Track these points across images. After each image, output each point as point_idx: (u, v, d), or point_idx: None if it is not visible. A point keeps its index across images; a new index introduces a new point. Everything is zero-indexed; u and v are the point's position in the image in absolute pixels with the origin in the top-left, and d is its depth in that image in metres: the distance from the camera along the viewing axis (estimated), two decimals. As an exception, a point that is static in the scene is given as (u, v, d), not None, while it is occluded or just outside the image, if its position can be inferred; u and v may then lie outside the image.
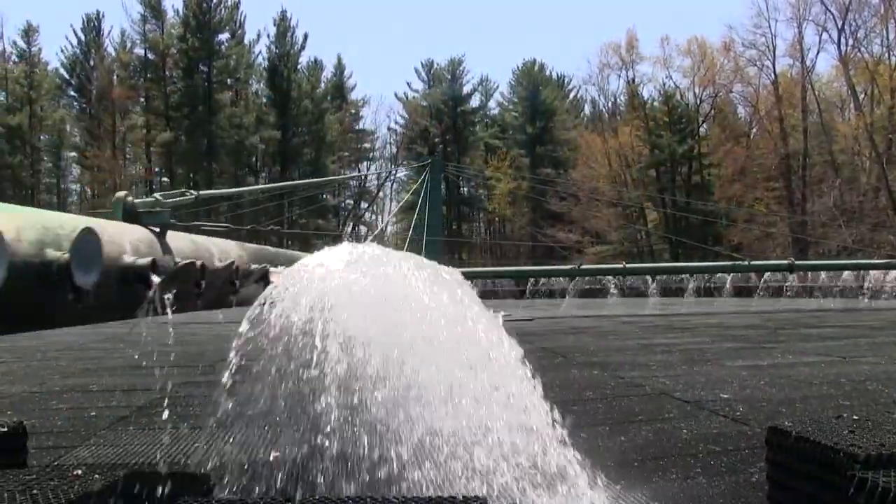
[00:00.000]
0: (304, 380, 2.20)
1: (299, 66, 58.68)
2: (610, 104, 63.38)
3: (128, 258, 1.86)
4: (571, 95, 68.64)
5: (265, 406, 2.28)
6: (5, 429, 2.51)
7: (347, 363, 2.18)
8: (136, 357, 8.69)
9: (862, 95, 45.78)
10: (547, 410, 2.66)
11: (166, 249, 2.17)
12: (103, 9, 59.00)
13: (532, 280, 35.68)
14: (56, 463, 3.53)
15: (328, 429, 2.14)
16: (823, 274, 29.11)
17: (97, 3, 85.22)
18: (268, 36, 58.29)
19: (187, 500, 1.79)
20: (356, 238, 63.70)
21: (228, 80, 55.06)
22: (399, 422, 2.26)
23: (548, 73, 66.39)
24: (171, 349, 2.78)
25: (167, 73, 54.07)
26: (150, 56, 54.66)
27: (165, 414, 5.08)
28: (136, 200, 2.35)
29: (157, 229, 2.23)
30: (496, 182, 58.95)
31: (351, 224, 63.53)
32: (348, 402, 2.22)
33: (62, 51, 56.37)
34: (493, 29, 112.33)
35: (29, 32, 53.64)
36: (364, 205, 63.03)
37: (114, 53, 56.50)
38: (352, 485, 2.15)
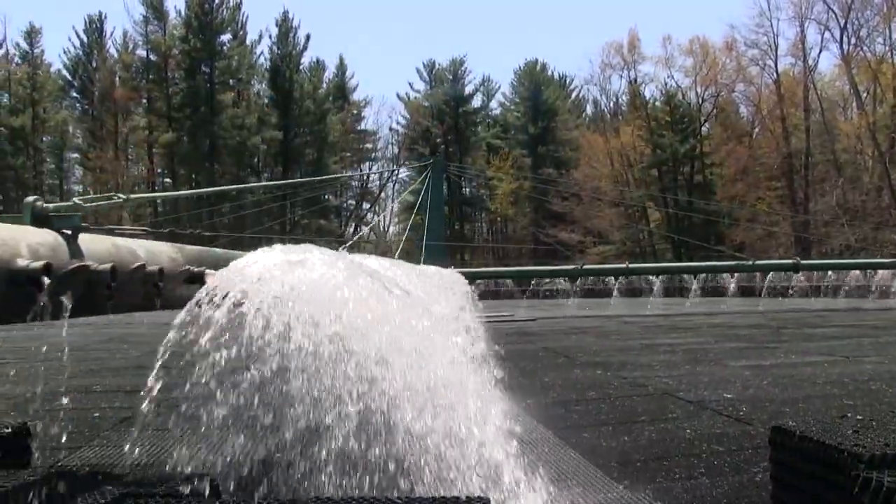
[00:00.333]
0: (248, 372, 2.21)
1: (301, 67, 58.80)
2: (612, 104, 63.45)
3: (21, 261, 1.88)
4: (573, 95, 68.66)
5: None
6: (9, 430, 2.51)
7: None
8: (139, 357, 8.71)
9: (864, 94, 45.72)
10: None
11: (75, 253, 2.17)
12: (105, 10, 59.21)
13: (535, 280, 35.68)
14: (60, 464, 3.54)
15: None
16: (830, 273, 28.89)
17: (99, 5, 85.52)
18: (270, 37, 58.46)
19: (189, 500, 1.79)
20: (357, 239, 63.80)
21: (230, 81, 55.14)
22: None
23: (549, 73, 66.43)
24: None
25: (169, 74, 54.16)
26: (152, 57, 54.76)
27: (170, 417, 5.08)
28: (50, 204, 2.36)
29: (70, 232, 2.23)
30: (498, 182, 58.96)
31: (353, 225, 63.62)
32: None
33: (65, 52, 56.62)
34: (494, 29, 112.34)
35: (32, 34, 53.80)
36: (366, 205, 63.07)
37: (116, 55, 56.64)
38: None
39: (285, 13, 58.42)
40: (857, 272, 27.07)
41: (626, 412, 5.17)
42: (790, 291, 27.11)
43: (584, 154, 58.20)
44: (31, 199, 2.36)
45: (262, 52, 58.74)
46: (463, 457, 2.28)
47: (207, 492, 1.95)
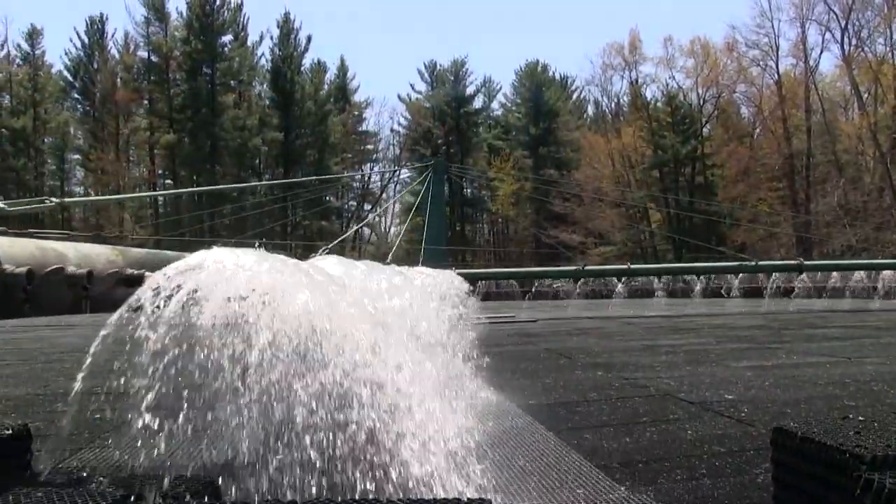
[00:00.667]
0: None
1: (302, 68, 58.86)
2: (613, 105, 63.52)
3: None
4: (574, 96, 68.71)
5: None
6: (9, 431, 2.51)
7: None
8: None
9: (865, 95, 45.72)
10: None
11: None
12: (107, 11, 59.30)
13: (536, 281, 35.67)
14: (60, 466, 3.54)
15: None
16: (835, 274, 28.75)
17: (100, 6, 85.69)
18: (271, 38, 58.55)
19: (189, 501, 1.79)
20: (359, 239, 63.83)
21: (232, 83, 55.22)
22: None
23: (551, 74, 66.48)
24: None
25: (170, 75, 54.24)
26: (153, 58, 54.84)
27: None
28: None
29: None
30: (499, 183, 58.96)
31: (354, 226, 63.61)
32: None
33: (66, 53, 56.76)
34: (495, 30, 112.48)
35: (33, 35, 53.91)
36: (367, 206, 63.06)
37: (117, 56, 56.74)
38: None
39: (286, 14, 58.63)
40: (862, 273, 26.92)
41: (627, 413, 5.17)
42: (794, 292, 27.01)
43: (585, 155, 58.23)
44: None
45: (263, 54, 58.96)
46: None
47: (208, 493, 1.95)
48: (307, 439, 2.19)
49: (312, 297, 2.33)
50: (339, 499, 1.89)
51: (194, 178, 53.46)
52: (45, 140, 54.91)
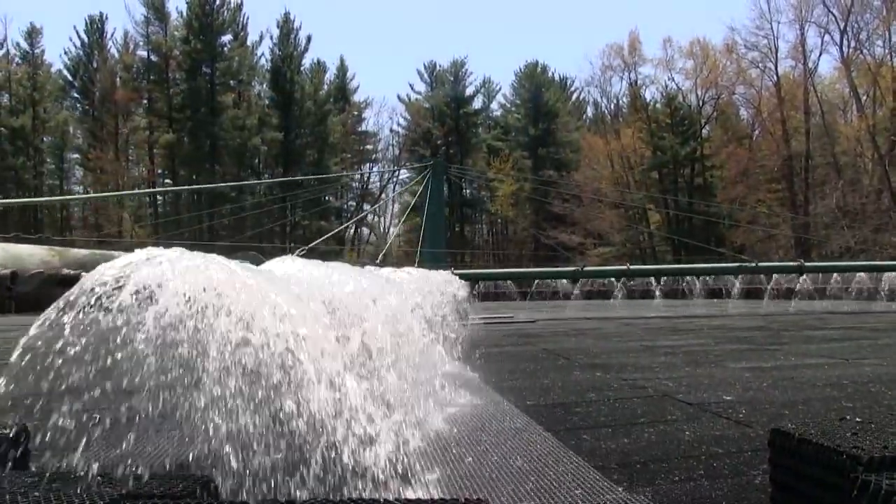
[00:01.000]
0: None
1: (302, 68, 58.82)
2: (612, 106, 63.48)
3: None
4: (574, 97, 68.71)
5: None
6: (7, 431, 2.51)
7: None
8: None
9: (864, 97, 45.74)
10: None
11: None
12: (106, 10, 59.29)
13: (535, 282, 35.65)
14: (59, 466, 3.53)
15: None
16: (836, 276, 28.62)
17: (100, 5, 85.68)
18: (271, 38, 58.50)
19: (189, 501, 1.79)
20: (359, 240, 63.85)
21: (231, 82, 55.19)
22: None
23: (550, 74, 66.47)
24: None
25: (170, 74, 54.20)
26: (153, 58, 54.80)
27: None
28: None
29: None
30: (499, 184, 58.99)
31: (354, 226, 63.58)
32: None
33: (65, 52, 56.66)
34: (495, 31, 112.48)
35: (32, 34, 53.85)
36: (367, 207, 63.00)
37: (117, 55, 56.68)
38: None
39: (286, 14, 58.56)
40: (864, 274, 26.83)
41: (625, 414, 5.17)
42: (795, 293, 26.90)
43: (584, 156, 58.25)
44: None
45: (262, 54, 58.91)
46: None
47: (205, 492, 1.95)
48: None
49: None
50: (339, 499, 1.90)
51: (194, 177, 53.42)
52: (45, 139, 54.84)
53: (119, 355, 2.25)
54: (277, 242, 48.03)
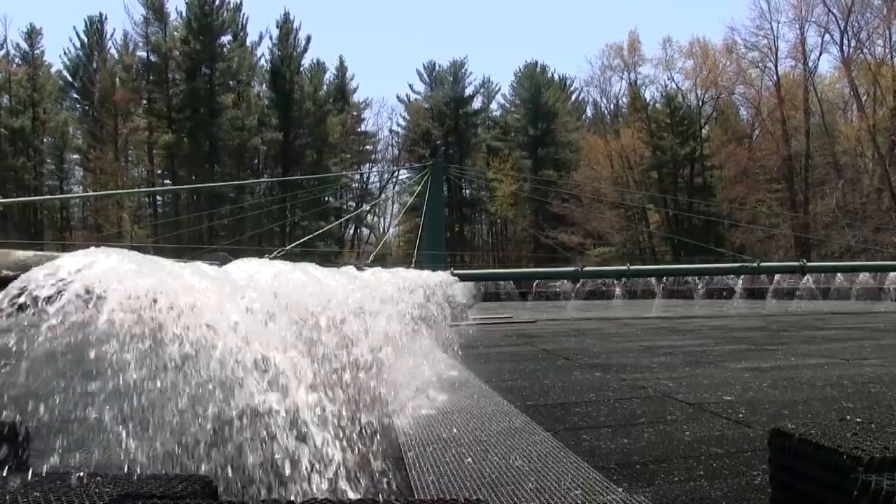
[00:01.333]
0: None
1: (302, 69, 58.77)
2: (612, 106, 63.43)
3: None
4: (573, 97, 68.64)
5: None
6: (7, 430, 2.51)
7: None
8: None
9: (864, 97, 45.71)
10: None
11: None
12: (106, 11, 59.19)
13: (535, 282, 35.63)
14: (58, 465, 3.53)
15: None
16: (840, 275, 28.41)
17: (99, 6, 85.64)
18: (270, 38, 58.43)
19: (188, 502, 1.79)
20: (358, 240, 63.87)
21: (231, 83, 55.13)
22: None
23: (550, 74, 66.39)
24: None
25: (169, 75, 54.15)
26: (152, 58, 54.73)
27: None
28: None
29: None
30: (498, 184, 58.98)
31: (353, 226, 63.58)
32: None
33: (65, 53, 56.56)
34: (494, 31, 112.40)
35: (32, 35, 53.79)
36: (366, 207, 62.97)
37: (116, 56, 56.62)
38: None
39: (286, 15, 58.45)
40: (868, 274, 26.62)
41: (625, 414, 5.17)
42: (798, 293, 26.74)
43: (584, 156, 58.20)
44: None
45: (262, 54, 58.80)
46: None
47: (205, 493, 1.95)
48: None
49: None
50: (338, 498, 1.90)
51: (193, 177, 53.38)
52: (44, 140, 54.81)
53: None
54: (277, 243, 47.99)
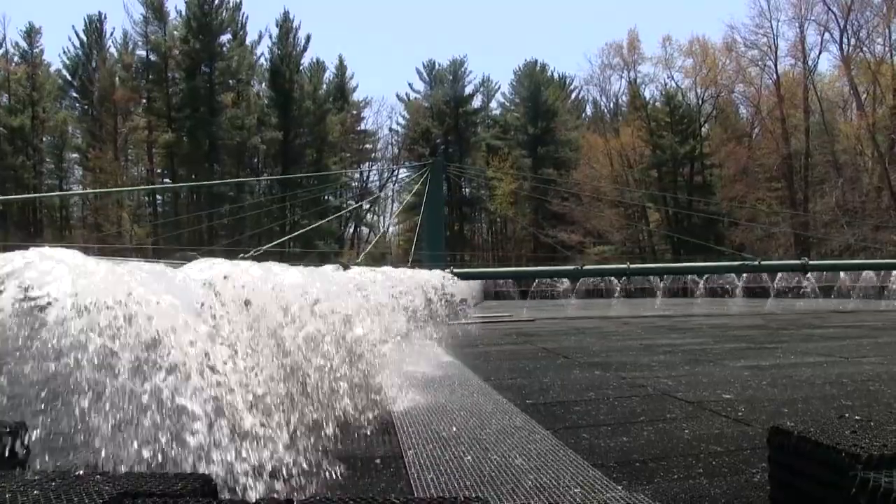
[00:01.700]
0: None
1: (301, 68, 58.71)
2: (611, 104, 63.37)
3: None
4: (573, 96, 68.59)
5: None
6: (6, 430, 2.51)
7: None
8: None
9: (864, 95, 45.68)
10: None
11: None
12: (105, 10, 58.88)
13: (535, 281, 35.58)
14: (58, 464, 3.53)
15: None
16: (843, 274, 28.22)
17: (99, 5, 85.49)
18: (270, 37, 58.35)
19: (188, 500, 1.79)
20: (357, 239, 63.83)
21: (230, 82, 55.06)
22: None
23: (549, 73, 66.31)
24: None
25: (169, 74, 54.10)
26: (152, 57, 54.67)
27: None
28: None
29: None
30: (498, 183, 58.94)
31: (353, 225, 63.52)
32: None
33: (64, 52, 56.43)
34: (494, 29, 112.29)
35: (31, 33, 53.70)
36: (366, 206, 62.94)
37: (116, 55, 56.55)
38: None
39: (285, 14, 58.36)
40: (871, 273, 26.45)
41: (625, 412, 5.18)
42: (800, 292, 26.60)
43: (583, 154, 58.17)
44: None
45: (262, 53, 58.72)
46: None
47: (204, 491, 1.95)
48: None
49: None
50: (337, 497, 1.90)
51: (193, 176, 53.30)
52: (44, 139, 54.73)
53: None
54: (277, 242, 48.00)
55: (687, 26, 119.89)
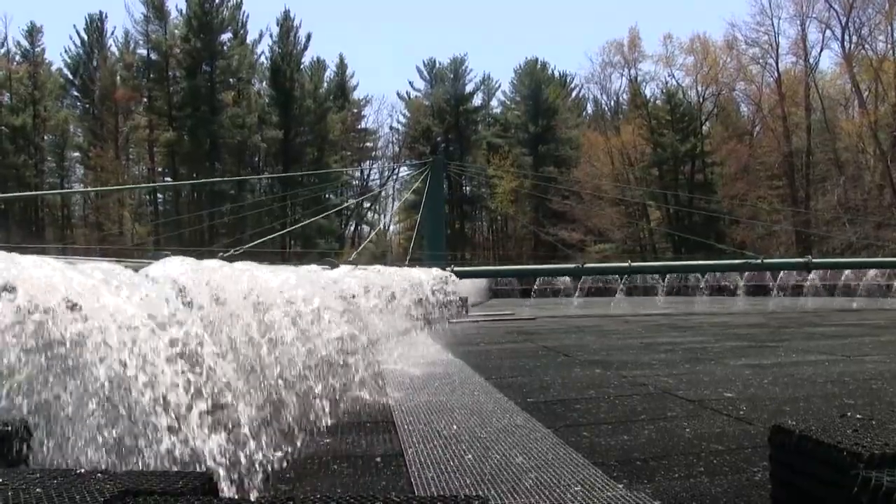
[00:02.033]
0: None
1: (302, 66, 58.70)
2: (612, 102, 63.30)
3: None
4: (574, 94, 68.51)
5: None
6: (9, 427, 2.52)
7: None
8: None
9: (866, 93, 45.60)
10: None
11: None
12: (106, 9, 58.83)
13: (537, 279, 35.56)
14: (59, 462, 3.54)
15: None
16: (847, 272, 27.97)
17: (100, 4, 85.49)
18: (270, 36, 58.33)
19: (189, 498, 1.79)
20: (358, 238, 63.82)
21: (231, 80, 55.08)
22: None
23: (550, 71, 66.26)
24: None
25: (170, 73, 54.11)
26: (153, 56, 54.69)
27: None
28: None
29: None
30: (498, 181, 58.91)
31: (353, 223, 63.52)
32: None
33: (65, 51, 56.45)
34: (494, 28, 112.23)
35: (33, 32, 53.73)
36: (366, 204, 62.96)
37: (117, 54, 56.59)
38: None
39: (286, 12, 58.35)
40: (875, 271, 26.21)
41: (625, 411, 5.17)
42: (802, 290, 26.45)
43: (584, 153, 58.12)
44: None
45: (262, 52, 58.72)
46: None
47: (204, 489, 1.95)
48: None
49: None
50: (336, 496, 1.89)
51: (194, 175, 53.29)
52: (45, 137, 54.76)
53: None
54: (277, 240, 48.00)
55: (688, 24, 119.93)
